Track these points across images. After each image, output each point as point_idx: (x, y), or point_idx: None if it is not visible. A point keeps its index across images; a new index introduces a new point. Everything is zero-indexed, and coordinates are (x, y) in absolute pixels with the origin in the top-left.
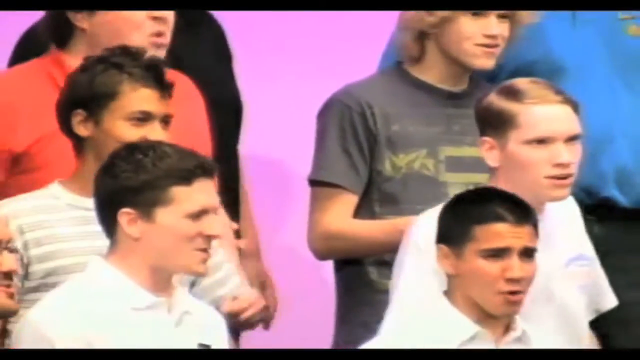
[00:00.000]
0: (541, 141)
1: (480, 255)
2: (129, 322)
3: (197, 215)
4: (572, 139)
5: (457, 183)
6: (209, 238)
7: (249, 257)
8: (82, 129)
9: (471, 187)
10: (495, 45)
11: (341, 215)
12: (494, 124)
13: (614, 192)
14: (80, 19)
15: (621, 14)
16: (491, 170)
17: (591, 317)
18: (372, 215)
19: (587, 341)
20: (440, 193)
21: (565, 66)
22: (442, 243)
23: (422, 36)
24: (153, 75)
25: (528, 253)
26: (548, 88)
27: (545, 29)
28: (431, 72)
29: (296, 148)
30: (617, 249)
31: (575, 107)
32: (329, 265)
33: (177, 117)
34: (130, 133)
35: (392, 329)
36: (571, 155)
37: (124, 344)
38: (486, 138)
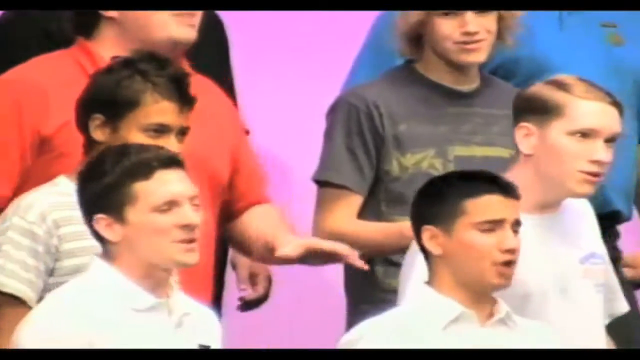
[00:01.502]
0: (584, 134)
1: (474, 228)
2: (130, 324)
3: (166, 207)
4: (611, 139)
5: None
6: (185, 228)
7: None
8: (99, 134)
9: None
10: (477, 41)
11: (345, 216)
12: (537, 110)
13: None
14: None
15: (602, 22)
16: (515, 159)
17: (606, 321)
18: (379, 215)
19: (604, 342)
20: None
21: (549, 67)
22: (426, 224)
23: (416, 37)
24: (176, 87)
25: (517, 225)
26: (598, 87)
27: (532, 29)
28: (438, 70)
29: (300, 147)
30: None
31: (621, 111)
32: (332, 266)
33: (199, 113)
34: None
35: (382, 316)
36: (608, 155)
37: (125, 346)
38: (525, 124)
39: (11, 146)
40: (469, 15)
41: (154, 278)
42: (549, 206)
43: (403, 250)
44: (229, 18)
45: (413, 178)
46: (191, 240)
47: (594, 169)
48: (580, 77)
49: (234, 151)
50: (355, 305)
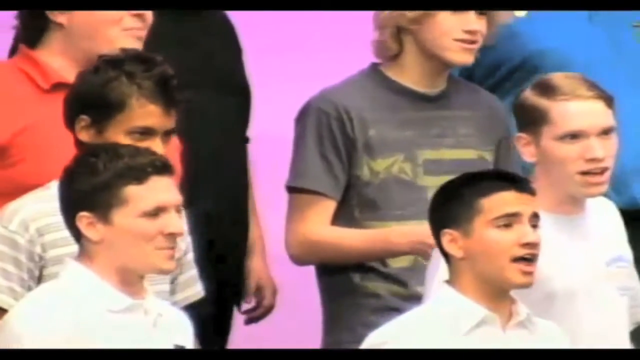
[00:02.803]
0: (573, 136)
1: (492, 226)
2: (107, 325)
3: (154, 213)
4: (605, 132)
5: (437, 186)
6: (170, 236)
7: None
8: (84, 135)
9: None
10: (474, 41)
11: (320, 222)
12: (528, 120)
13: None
14: (58, 14)
15: (635, 22)
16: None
17: (631, 327)
18: (352, 221)
19: (628, 346)
20: (419, 197)
21: (575, 61)
22: (445, 228)
23: (400, 33)
24: (162, 90)
25: (535, 219)
26: (581, 83)
27: (560, 22)
28: (408, 73)
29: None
30: None
31: (609, 102)
32: None
33: None
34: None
35: (401, 318)
36: (605, 150)
37: (103, 347)
38: (521, 134)
39: None
40: (472, 15)
41: (129, 280)
42: (571, 206)
43: (389, 256)
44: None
45: (384, 183)
46: (171, 248)
47: (594, 166)
48: (565, 75)
49: None
50: (333, 311)
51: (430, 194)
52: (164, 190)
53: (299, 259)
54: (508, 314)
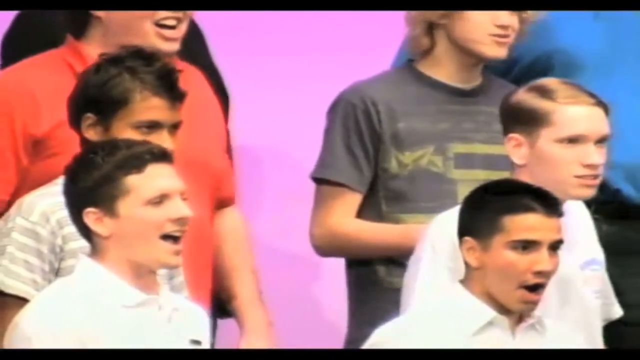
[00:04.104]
0: (573, 140)
1: (510, 247)
2: (121, 320)
3: (158, 200)
4: (602, 140)
5: (466, 180)
6: (177, 221)
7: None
8: (92, 133)
9: (480, 184)
10: (506, 36)
11: (345, 215)
12: (524, 121)
13: (626, 188)
14: None
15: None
16: (513, 168)
17: (603, 324)
18: (380, 214)
19: (600, 346)
20: (449, 190)
21: (584, 58)
22: (467, 235)
23: (432, 28)
24: (165, 83)
25: (556, 246)
26: (580, 89)
27: (565, 20)
28: (442, 69)
29: (299, 145)
30: (630, 249)
31: (606, 110)
32: (330, 266)
33: (192, 109)
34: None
35: (408, 314)
36: (600, 157)
37: (117, 343)
38: (513, 135)
39: (5, 151)
40: (504, 11)
41: (142, 275)
42: None
43: (407, 251)
44: (227, 18)
45: (412, 175)
46: (178, 240)
47: (589, 172)
48: (562, 80)
49: (224, 148)
50: (357, 305)
51: (459, 188)
52: (164, 177)
53: (321, 250)
54: (518, 316)
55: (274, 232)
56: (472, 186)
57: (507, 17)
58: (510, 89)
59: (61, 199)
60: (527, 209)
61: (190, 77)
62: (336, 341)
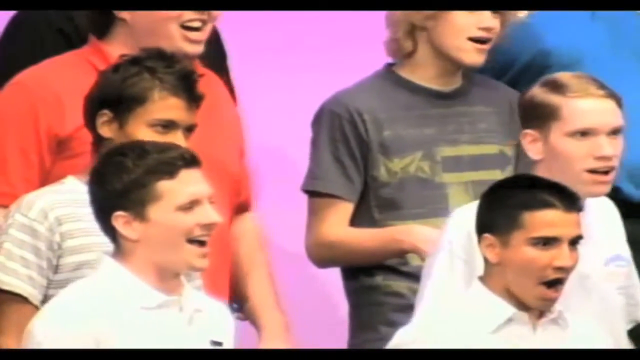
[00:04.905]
0: (584, 133)
1: (530, 244)
2: (138, 322)
3: (189, 206)
4: (614, 132)
5: (456, 183)
6: (206, 227)
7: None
8: (106, 130)
9: (470, 186)
10: (488, 40)
11: (337, 224)
12: (537, 116)
13: (626, 186)
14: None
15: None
16: (533, 163)
17: (629, 326)
18: (372, 222)
19: (626, 345)
20: (439, 195)
21: (582, 56)
22: (486, 232)
23: (414, 31)
24: (184, 84)
25: (575, 242)
26: (591, 82)
27: (562, 19)
28: (422, 72)
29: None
30: (631, 247)
31: (619, 102)
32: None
33: (211, 114)
34: (152, 140)
35: (426, 315)
36: (613, 148)
37: (133, 344)
38: (528, 131)
39: (30, 150)
40: (487, 13)
41: (166, 277)
42: None
43: (398, 254)
44: (229, 18)
45: (402, 182)
46: (205, 244)
47: (602, 164)
48: (575, 74)
49: (242, 153)
50: (357, 310)
51: (450, 191)
52: (195, 182)
53: (318, 261)
54: (539, 311)
55: (275, 231)
56: (463, 189)
57: (491, 20)
58: (495, 87)
59: (62, 197)
60: (547, 205)
61: (210, 82)
62: (337, 341)
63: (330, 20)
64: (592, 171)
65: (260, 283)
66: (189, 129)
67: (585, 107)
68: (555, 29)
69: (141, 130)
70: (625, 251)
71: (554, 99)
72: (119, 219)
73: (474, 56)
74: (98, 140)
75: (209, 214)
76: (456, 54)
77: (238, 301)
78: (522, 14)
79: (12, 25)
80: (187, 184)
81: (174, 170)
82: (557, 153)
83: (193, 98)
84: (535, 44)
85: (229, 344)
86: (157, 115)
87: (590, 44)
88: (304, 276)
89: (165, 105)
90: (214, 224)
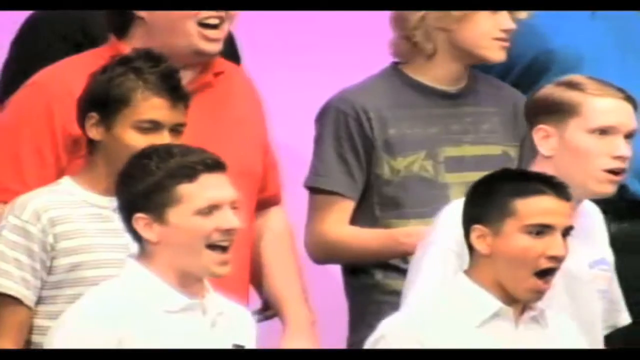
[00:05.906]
0: (603, 132)
1: (524, 231)
2: (161, 326)
3: (208, 211)
4: (629, 135)
5: (458, 183)
6: (225, 232)
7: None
8: (94, 132)
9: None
10: (508, 39)
11: (338, 222)
12: (553, 111)
13: (633, 185)
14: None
15: None
16: (530, 159)
17: (606, 331)
18: (373, 219)
19: (601, 346)
20: (441, 195)
21: (583, 57)
22: (476, 223)
23: (432, 32)
24: (167, 83)
25: (566, 233)
26: (609, 84)
27: (562, 20)
28: (430, 72)
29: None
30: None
31: (635, 106)
32: (336, 267)
33: (230, 114)
34: (139, 141)
35: (413, 306)
36: (629, 151)
37: (156, 347)
38: (542, 126)
39: (45, 149)
40: (506, 15)
41: (188, 280)
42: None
43: (399, 256)
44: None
45: (405, 181)
46: (226, 250)
47: (618, 165)
48: (590, 76)
49: (265, 147)
50: (357, 309)
51: (452, 191)
52: (216, 187)
53: (316, 258)
54: (522, 307)
55: None
56: (465, 190)
57: (510, 22)
58: (499, 87)
59: (57, 198)
60: (539, 192)
61: (229, 78)
62: (336, 340)
63: (335, 19)
64: (608, 170)
65: (288, 277)
66: (176, 128)
67: (606, 106)
68: (558, 29)
69: (127, 132)
70: (609, 255)
71: (574, 95)
72: (140, 220)
73: (500, 53)
74: (89, 143)
75: (229, 219)
76: (483, 53)
77: (264, 295)
78: (525, 14)
79: (24, 28)
80: (207, 188)
81: (194, 174)
82: (573, 149)
83: (178, 96)
84: (538, 44)
85: (251, 347)
86: (141, 116)
87: (591, 44)
88: (304, 274)
89: (148, 105)
90: (233, 229)
